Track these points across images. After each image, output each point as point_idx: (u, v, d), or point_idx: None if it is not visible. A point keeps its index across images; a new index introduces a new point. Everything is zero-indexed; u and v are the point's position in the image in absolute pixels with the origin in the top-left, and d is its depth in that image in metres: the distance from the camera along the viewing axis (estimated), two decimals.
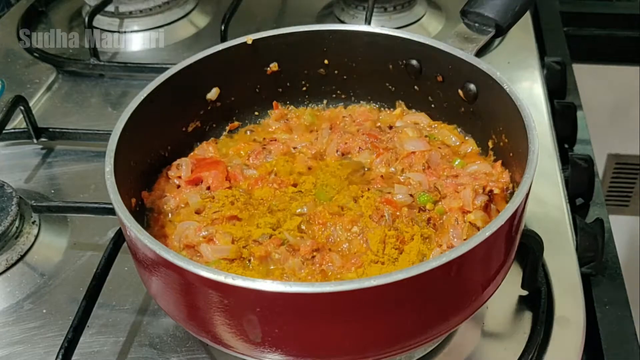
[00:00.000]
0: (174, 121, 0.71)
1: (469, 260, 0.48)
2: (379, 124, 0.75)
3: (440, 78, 0.71)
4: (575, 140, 0.95)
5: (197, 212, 0.65)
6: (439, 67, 0.70)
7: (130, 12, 1.12)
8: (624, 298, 0.71)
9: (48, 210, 0.73)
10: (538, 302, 0.65)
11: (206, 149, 0.73)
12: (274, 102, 0.78)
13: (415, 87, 0.74)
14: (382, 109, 0.78)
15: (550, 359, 0.61)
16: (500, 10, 0.70)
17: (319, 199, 0.65)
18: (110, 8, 1.11)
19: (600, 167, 1.56)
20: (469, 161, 0.68)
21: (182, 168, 0.69)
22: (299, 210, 0.63)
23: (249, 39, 0.72)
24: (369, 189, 0.66)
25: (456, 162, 0.68)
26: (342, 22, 1.12)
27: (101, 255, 0.66)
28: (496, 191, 0.63)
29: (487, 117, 0.67)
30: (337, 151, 0.71)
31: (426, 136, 0.72)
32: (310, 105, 0.79)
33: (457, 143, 0.72)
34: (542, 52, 1.09)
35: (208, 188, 0.67)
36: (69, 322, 0.61)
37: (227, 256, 0.59)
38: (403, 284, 0.45)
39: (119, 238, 0.67)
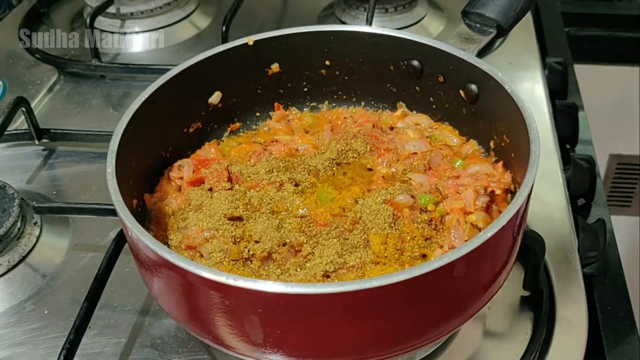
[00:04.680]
0: (175, 122, 0.71)
1: (470, 261, 0.48)
2: (380, 125, 0.75)
3: (441, 79, 0.71)
4: (576, 140, 0.95)
5: None
6: (440, 68, 0.70)
7: (132, 14, 1.12)
8: (625, 299, 0.71)
9: (49, 211, 0.73)
10: (540, 302, 0.65)
11: (208, 150, 0.73)
12: (276, 103, 0.78)
13: (417, 87, 0.74)
14: (383, 110, 0.78)
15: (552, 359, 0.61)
16: (502, 11, 0.70)
17: (320, 200, 0.65)
18: (111, 9, 1.11)
19: (601, 167, 1.56)
20: (470, 162, 0.68)
21: (183, 169, 0.69)
22: (301, 211, 0.63)
23: (250, 40, 0.72)
24: (369, 190, 0.66)
25: (457, 163, 0.68)
26: (343, 23, 1.12)
27: (103, 256, 0.66)
28: (497, 192, 0.63)
29: (488, 118, 0.67)
30: (338, 152, 0.71)
31: (427, 137, 0.72)
32: (311, 106, 0.79)
33: (458, 144, 0.72)
34: (544, 53, 1.09)
35: (210, 189, 0.67)
36: (70, 323, 0.61)
37: (229, 257, 0.59)
38: (405, 285, 0.45)
39: (121, 239, 0.67)
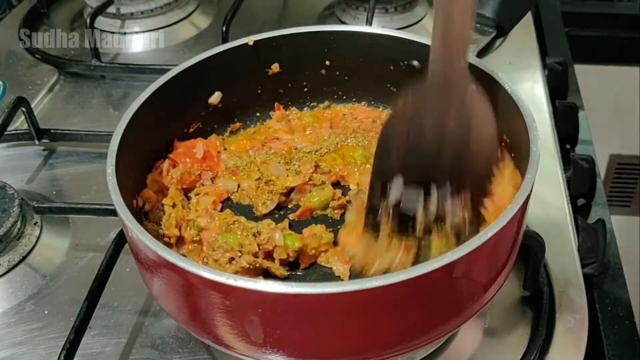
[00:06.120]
0: (176, 122, 0.71)
1: (470, 261, 0.48)
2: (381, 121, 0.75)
3: None
4: (576, 140, 0.95)
5: None
6: None
7: (132, 14, 1.12)
8: (625, 299, 0.71)
9: (50, 211, 0.73)
10: (540, 303, 0.65)
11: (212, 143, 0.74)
12: (276, 103, 0.78)
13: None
14: (383, 109, 0.78)
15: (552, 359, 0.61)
16: (502, 11, 0.70)
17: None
18: (111, 9, 1.11)
19: (601, 167, 1.56)
20: None
21: (165, 169, 0.69)
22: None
23: (250, 40, 0.72)
24: None
25: None
26: (344, 23, 1.12)
27: (103, 256, 0.66)
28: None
29: None
30: (337, 145, 0.72)
31: None
32: (311, 105, 0.79)
33: None
34: (544, 53, 1.09)
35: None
36: (70, 323, 0.61)
37: None
38: (404, 285, 0.45)
39: (121, 239, 0.67)
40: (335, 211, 0.66)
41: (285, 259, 0.60)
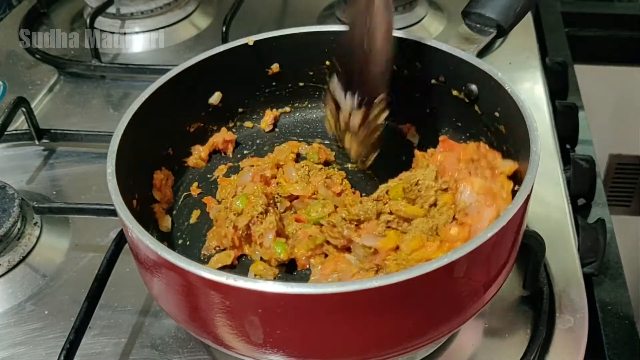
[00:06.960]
0: (176, 122, 0.71)
1: (470, 261, 0.48)
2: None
3: (441, 79, 0.71)
4: (576, 140, 0.95)
5: None
6: (440, 68, 0.70)
7: (132, 14, 1.12)
8: (626, 298, 0.71)
9: (50, 211, 0.73)
10: (540, 302, 0.65)
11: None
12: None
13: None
14: None
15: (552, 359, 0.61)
16: (502, 11, 0.70)
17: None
18: (111, 9, 1.11)
19: (601, 167, 1.56)
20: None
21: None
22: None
23: (250, 40, 0.72)
24: None
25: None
26: (344, 23, 1.12)
27: (103, 256, 0.66)
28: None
29: (488, 118, 0.67)
30: None
31: None
32: (312, 106, 0.79)
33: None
34: (544, 53, 1.09)
35: None
36: (70, 324, 0.61)
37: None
38: (405, 285, 0.45)
39: (121, 239, 0.67)
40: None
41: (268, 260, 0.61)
